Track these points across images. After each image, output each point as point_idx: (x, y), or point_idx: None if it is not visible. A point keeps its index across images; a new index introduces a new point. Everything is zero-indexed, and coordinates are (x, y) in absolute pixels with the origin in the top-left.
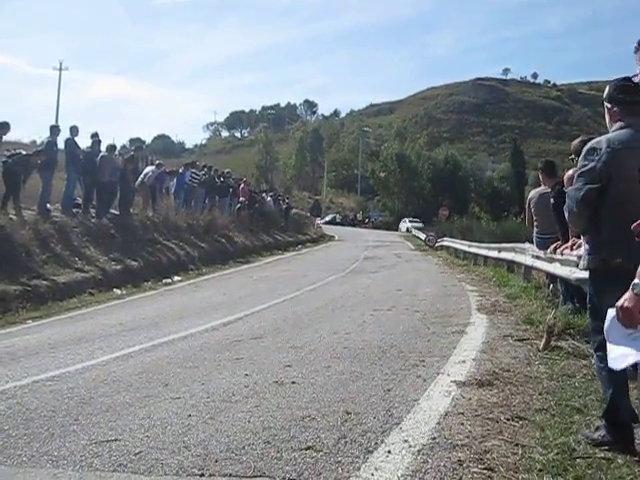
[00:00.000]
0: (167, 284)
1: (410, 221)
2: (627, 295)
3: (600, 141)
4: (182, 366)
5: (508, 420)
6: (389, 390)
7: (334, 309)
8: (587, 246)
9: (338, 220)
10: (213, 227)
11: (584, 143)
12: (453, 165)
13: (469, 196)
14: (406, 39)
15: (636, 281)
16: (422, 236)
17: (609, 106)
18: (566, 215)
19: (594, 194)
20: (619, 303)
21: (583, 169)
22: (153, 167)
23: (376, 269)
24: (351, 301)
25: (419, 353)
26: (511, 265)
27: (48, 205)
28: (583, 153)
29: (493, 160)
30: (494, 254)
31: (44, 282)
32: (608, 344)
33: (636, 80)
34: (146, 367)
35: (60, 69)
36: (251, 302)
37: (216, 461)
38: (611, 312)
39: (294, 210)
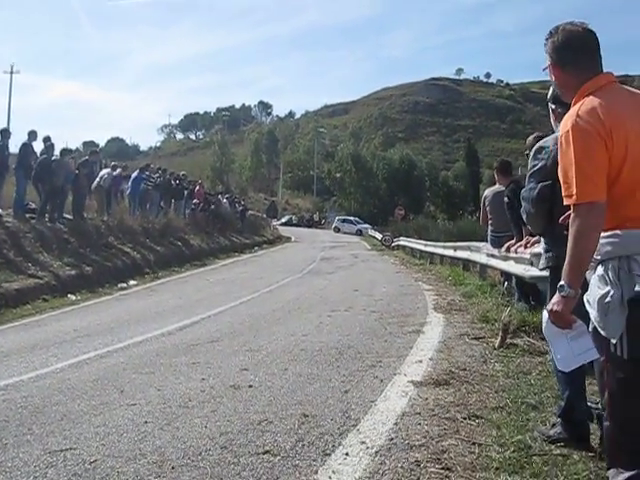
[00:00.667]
0: (122, 289)
1: (344, 220)
2: (555, 298)
3: (547, 140)
4: (138, 372)
5: (465, 419)
6: (346, 392)
7: (291, 311)
8: (544, 245)
9: (294, 221)
10: (169, 230)
11: (538, 139)
12: (408, 165)
13: (425, 195)
14: (361, 40)
15: (561, 283)
16: (378, 236)
17: (553, 107)
18: (524, 218)
19: (547, 191)
20: (548, 307)
21: (534, 169)
22: (109, 169)
23: (333, 270)
24: (308, 302)
25: (376, 354)
26: (467, 264)
27: (0, 210)
28: (532, 153)
29: (447, 159)
30: (450, 253)
31: None
32: (550, 346)
33: (544, 72)
34: (101, 374)
35: (11, 72)
36: (207, 305)
37: (173, 468)
38: (545, 314)
39: (250, 212)
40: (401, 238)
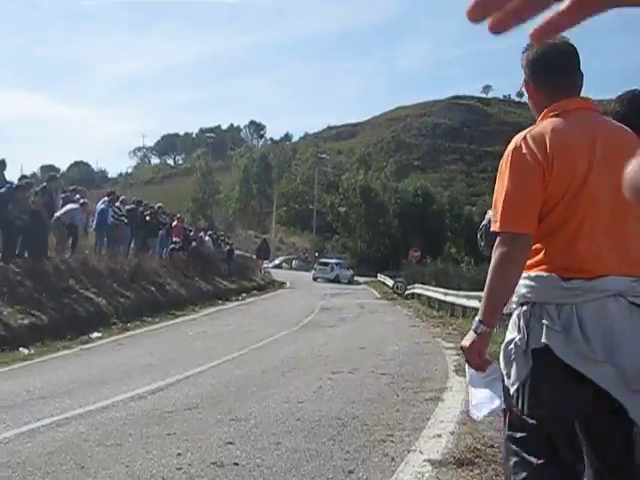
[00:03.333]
0: (85, 342)
1: (321, 263)
2: (468, 334)
3: None
4: (102, 444)
5: None
6: (351, 472)
7: (285, 372)
8: None
9: (294, 265)
10: (141, 273)
11: None
12: (425, 198)
13: (445, 235)
14: (370, 50)
15: (476, 319)
16: (389, 282)
17: None
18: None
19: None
20: (462, 343)
21: None
22: (76, 205)
23: (335, 322)
24: (305, 362)
25: (386, 426)
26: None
27: None
28: None
29: (472, 192)
30: (475, 304)
31: None
32: (470, 390)
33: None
34: (58, 445)
35: None
36: (186, 364)
37: None
38: None
39: (237, 252)
40: (416, 285)
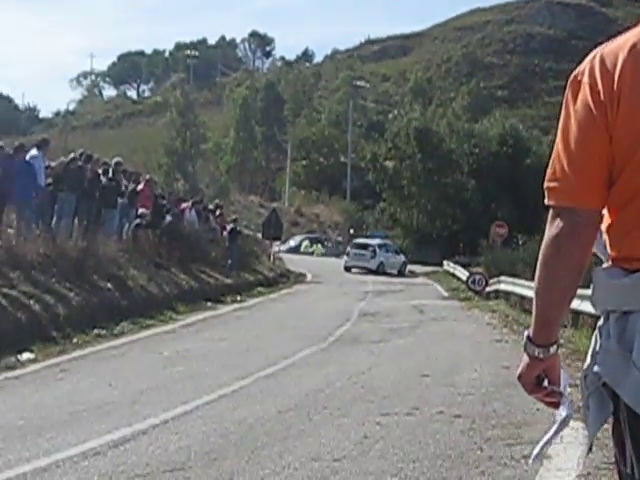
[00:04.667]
0: (10, 367)
1: (356, 245)
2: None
3: None
4: None
5: None
6: None
7: (311, 414)
8: None
9: (318, 249)
10: (91, 262)
11: None
12: (515, 147)
13: (544, 202)
14: None
15: (525, 333)
16: (462, 274)
17: None
18: None
19: None
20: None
21: None
22: None
23: (382, 336)
24: (340, 398)
25: None
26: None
27: None
28: None
29: None
30: (591, 307)
31: None
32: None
33: None
34: None
35: None
36: (162, 401)
37: None
38: None
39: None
40: (502, 278)
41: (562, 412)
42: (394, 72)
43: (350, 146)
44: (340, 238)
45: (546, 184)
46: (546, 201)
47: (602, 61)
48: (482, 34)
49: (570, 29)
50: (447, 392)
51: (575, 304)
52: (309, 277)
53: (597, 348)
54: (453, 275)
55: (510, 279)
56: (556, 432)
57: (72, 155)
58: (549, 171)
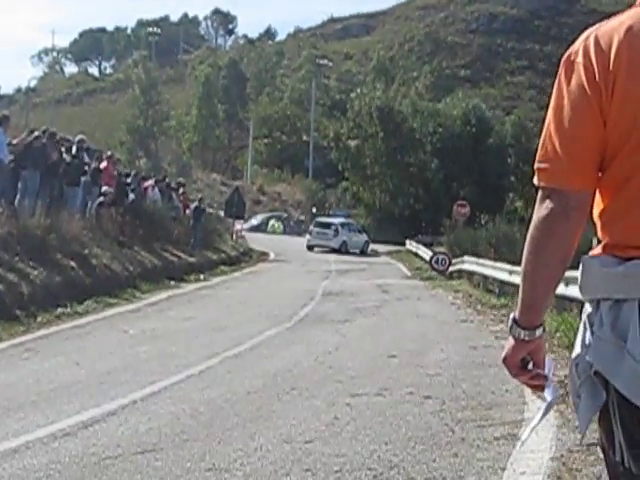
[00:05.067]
0: None
1: (318, 224)
2: (507, 341)
3: None
4: None
5: None
6: None
7: (280, 395)
8: None
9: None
10: (55, 240)
11: None
12: (478, 127)
13: (507, 182)
14: None
15: (511, 316)
16: (425, 253)
17: None
18: None
19: None
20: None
21: None
22: None
23: (347, 315)
24: (309, 379)
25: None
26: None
27: None
28: None
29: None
30: (558, 289)
31: None
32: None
33: None
34: None
35: None
36: (130, 381)
37: None
38: None
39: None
40: (466, 258)
41: (547, 396)
42: (357, 51)
43: (312, 125)
44: (302, 217)
45: (537, 165)
46: (536, 182)
47: (597, 42)
48: (445, 13)
49: (533, 9)
50: (415, 373)
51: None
52: (272, 256)
53: (588, 336)
54: (416, 254)
55: (473, 259)
56: (542, 416)
57: (35, 133)
58: (540, 152)
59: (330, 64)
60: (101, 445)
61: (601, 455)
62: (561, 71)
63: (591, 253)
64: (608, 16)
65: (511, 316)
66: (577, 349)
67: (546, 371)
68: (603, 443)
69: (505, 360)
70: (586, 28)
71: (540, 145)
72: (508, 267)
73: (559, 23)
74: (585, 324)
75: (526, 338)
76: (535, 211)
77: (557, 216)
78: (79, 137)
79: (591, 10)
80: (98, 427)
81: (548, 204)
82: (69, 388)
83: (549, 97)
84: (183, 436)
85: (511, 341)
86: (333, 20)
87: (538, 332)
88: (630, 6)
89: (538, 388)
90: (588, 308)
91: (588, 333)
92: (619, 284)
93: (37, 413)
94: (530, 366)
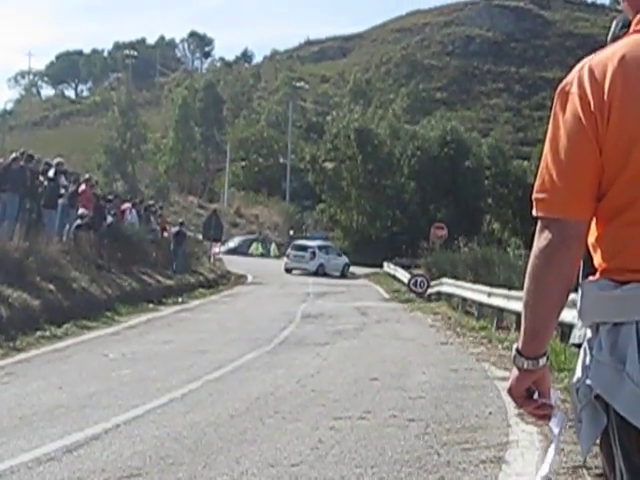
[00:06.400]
0: None
1: (296, 247)
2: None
3: None
4: None
5: None
6: None
7: (263, 418)
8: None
9: (254, 249)
10: (33, 262)
11: None
12: (455, 149)
13: (483, 203)
14: None
15: (514, 347)
16: (403, 276)
17: None
18: None
19: None
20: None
21: None
22: None
23: (327, 338)
24: (291, 402)
25: None
26: (570, 330)
27: None
28: None
29: (524, 139)
30: None
31: None
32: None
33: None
34: None
35: None
36: (112, 405)
37: None
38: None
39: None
40: (444, 280)
41: (553, 426)
42: (333, 73)
43: (289, 147)
44: (280, 239)
45: (535, 195)
46: (534, 212)
47: (591, 72)
48: (421, 36)
49: (509, 31)
50: (398, 396)
51: (516, 305)
52: (250, 279)
53: (588, 361)
54: (394, 277)
55: (452, 281)
56: (556, 448)
57: (14, 155)
58: (538, 182)
59: (307, 86)
60: (86, 470)
61: (587, 478)
62: (556, 102)
63: (590, 279)
64: (583, 39)
65: (514, 346)
66: (578, 373)
67: (552, 401)
68: (605, 468)
69: (510, 390)
70: (561, 51)
71: (538, 176)
72: (487, 289)
73: (535, 46)
74: (585, 349)
75: (530, 368)
76: (535, 241)
77: (557, 246)
78: (57, 160)
79: (566, 32)
80: (82, 451)
81: (547, 234)
82: (52, 412)
83: (525, 119)
84: (168, 460)
85: (515, 371)
86: (310, 42)
87: (542, 361)
88: (618, 38)
89: (544, 418)
90: (588, 333)
91: (588, 357)
92: (617, 307)
93: (20, 437)
94: (535, 396)
